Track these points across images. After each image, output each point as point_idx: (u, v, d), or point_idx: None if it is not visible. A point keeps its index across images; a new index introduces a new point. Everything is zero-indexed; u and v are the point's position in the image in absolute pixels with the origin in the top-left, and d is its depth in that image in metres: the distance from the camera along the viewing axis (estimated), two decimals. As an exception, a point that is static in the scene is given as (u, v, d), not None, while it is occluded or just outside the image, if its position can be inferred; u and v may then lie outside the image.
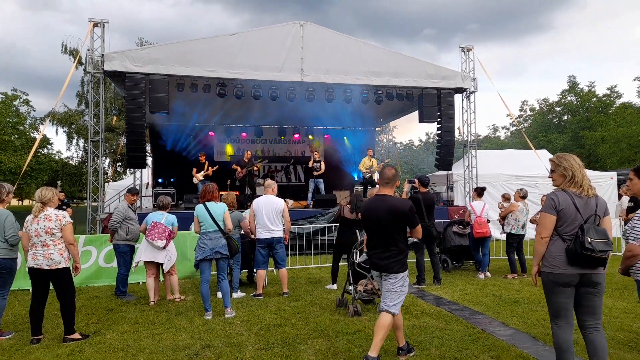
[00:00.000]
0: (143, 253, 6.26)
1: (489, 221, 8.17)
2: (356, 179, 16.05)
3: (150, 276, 6.33)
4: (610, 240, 3.09)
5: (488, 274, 7.99)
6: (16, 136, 24.18)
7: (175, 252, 6.55)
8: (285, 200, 6.76)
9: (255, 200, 6.64)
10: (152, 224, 6.22)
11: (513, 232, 7.89)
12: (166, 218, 6.35)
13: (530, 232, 8.22)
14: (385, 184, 3.98)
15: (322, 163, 13.38)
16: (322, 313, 5.54)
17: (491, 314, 5.51)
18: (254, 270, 7.37)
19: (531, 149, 13.71)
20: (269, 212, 6.42)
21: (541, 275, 3.27)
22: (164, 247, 6.21)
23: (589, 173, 3.27)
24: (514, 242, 7.94)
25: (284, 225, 6.61)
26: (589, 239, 3.00)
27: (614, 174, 14.59)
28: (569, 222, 3.14)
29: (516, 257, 7.94)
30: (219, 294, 6.10)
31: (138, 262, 6.44)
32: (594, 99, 31.27)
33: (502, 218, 8.15)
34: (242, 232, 6.86)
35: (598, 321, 3.21)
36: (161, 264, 6.33)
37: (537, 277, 3.35)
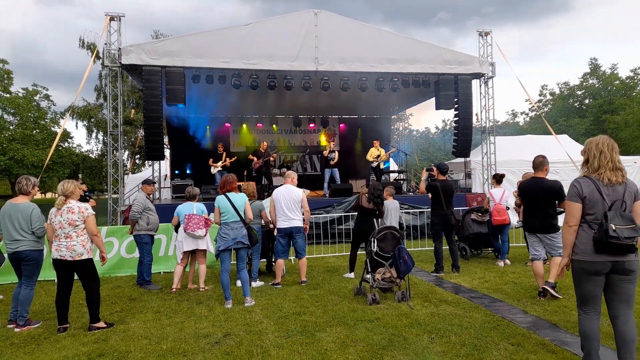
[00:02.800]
0: (184, 244, 6.39)
1: (508, 208, 8.06)
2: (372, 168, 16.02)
3: (182, 264, 6.52)
4: (638, 225, 2.98)
5: (507, 261, 7.90)
6: (37, 130, 24.75)
7: (210, 239, 6.69)
8: (303, 190, 6.77)
9: (275, 190, 6.69)
10: (187, 216, 6.34)
11: None
12: (197, 207, 6.48)
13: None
14: (536, 168, 5.47)
15: (336, 152, 13.36)
16: (341, 301, 5.57)
17: (511, 301, 5.46)
18: (273, 259, 7.45)
19: (551, 134, 13.43)
20: (288, 202, 6.46)
21: (571, 262, 3.19)
22: (204, 235, 6.38)
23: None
24: None
25: (303, 214, 6.64)
26: (613, 226, 2.92)
27: (637, 158, 14.23)
28: (594, 209, 3.06)
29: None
30: (238, 283, 6.19)
31: (181, 253, 6.53)
32: (617, 82, 30.41)
33: (518, 205, 8.02)
34: (262, 222, 6.91)
35: (630, 310, 3.11)
36: (198, 251, 6.48)
37: (567, 268, 3.24)
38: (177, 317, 5.14)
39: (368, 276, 5.72)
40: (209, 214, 6.66)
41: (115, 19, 10.66)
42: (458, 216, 8.36)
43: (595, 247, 3.02)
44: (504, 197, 7.97)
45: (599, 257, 3.02)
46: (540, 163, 5.42)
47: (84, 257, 4.64)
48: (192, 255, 6.63)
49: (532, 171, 5.71)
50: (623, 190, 3.06)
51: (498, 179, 8.32)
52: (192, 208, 6.47)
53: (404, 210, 10.12)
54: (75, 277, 4.77)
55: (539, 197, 5.31)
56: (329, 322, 4.76)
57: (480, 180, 13.15)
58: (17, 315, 4.84)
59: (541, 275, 5.55)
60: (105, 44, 10.66)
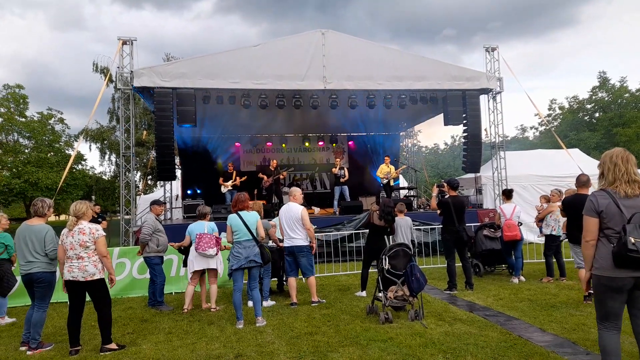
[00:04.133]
0: (195, 263, 6.38)
1: (520, 224, 7.96)
2: (382, 185, 16.00)
3: (192, 284, 6.48)
4: None
5: (522, 278, 7.77)
6: (52, 153, 25.17)
7: (222, 259, 6.67)
8: (307, 208, 6.65)
9: (280, 209, 6.68)
10: (198, 235, 6.33)
11: (554, 233, 7.65)
12: (207, 226, 6.48)
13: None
14: (582, 185, 5.75)
15: (346, 169, 13.39)
16: (353, 320, 5.50)
17: (527, 319, 5.35)
18: (284, 278, 7.40)
19: (562, 148, 13.32)
20: (289, 220, 6.38)
21: (592, 277, 3.11)
22: (215, 254, 6.36)
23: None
24: (554, 244, 7.70)
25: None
26: (632, 239, 2.82)
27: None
28: (612, 222, 2.98)
29: (554, 259, 7.69)
30: (250, 303, 6.14)
31: (193, 271, 6.51)
32: (627, 95, 30.20)
33: (540, 220, 7.92)
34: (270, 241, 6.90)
35: None
36: (209, 271, 6.45)
37: (588, 284, 3.18)
38: (188, 338, 5.11)
39: (380, 294, 5.65)
40: (220, 233, 6.66)
41: (128, 42, 10.92)
42: (470, 232, 8.27)
43: (615, 261, 2.93)
44: (515, 213, 7.87)
45: (619, 272, 2.93)
46: (586, 181, 5.80)
47: (96, 277, 4.65)
48: (203, 275, 6.62)
49: (573, 188, 6.28)
50: None
51: (508, 194, 8.25)
52: (203, 227, 6.48)
53: (414, 227, 10.04)
54: (87, 298, 4.78)
55: (580, 211, 5.35)
56: (341, 342, 4.69)
57: (491, 195, 13.04)
58: (30, 337, 4.84)
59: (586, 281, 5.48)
60: (118, 67, 10.90)
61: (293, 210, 6.39)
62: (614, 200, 3.00)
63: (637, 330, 3.07)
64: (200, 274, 6.55)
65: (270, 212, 10.73)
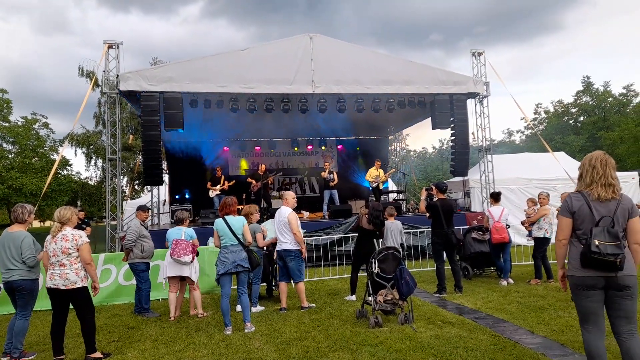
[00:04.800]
0: (168, 269, 6.28)
1: (508, 226, 8.01)
2: (371, 189, 16.03)
3: (172, 291, 6.35)
4: (623, 243, 2.98)
5: (510, 280, 7.81)
6: (36, 159, 24.79)
7: (198, 265, 6.57)
8: (295, 212, 6.55)
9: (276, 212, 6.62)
10: (174, 241, 6.23)
11: (547, 236, 7.72)
12: (185, 232, 6.37)
13: (552, 237, 8.05)
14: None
15: (335, 173, 13.38)
16: (343, 325, 5.47)
17: (516, 321, 5.37)
18: (273, 284, 7.35)
19: (548, 151, 13.48)
20: (279, 224, 6.35)
21: (567, 278, 3.21)
22: (191, 262, 6.24)
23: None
24: (544, 246, 7.77)
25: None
26: (597, 242, 2.95)
27: (635, 173, 14.24)
28: (584, 224, 3.08)
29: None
30: (238, 308, 6.08)
31: (165, 278, 6.44)
32: (610, 99, 30.77)
33: (531, 223, 7.98)
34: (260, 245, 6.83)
35: (633, 326, 3.06)
36: (187, 278, 6.34)
37: (563, 280, 3.29)
38: (175, 345, 5.03)
39: (370, 298, 5.63)
40: (200, 239, 6.58)
41: (114, 46, 10.79)
42: (459, 235, 8.30)
43: (582, 261, 3.05)
44: (503, 215, 7.93)
45: (586, 272, 3.04)
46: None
47: (77, 286, 4.52)
48: (184, 281, 6.51)
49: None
50: (615, 206, 3.05)
51: (495, 197, 8.31)
52: (180, 233, 6.35)
53: (404, 230, 10.06)
54: (71, 306, 4.67)
55: None
56: (331, 347, 4.65)
57: (479, 198, 13.13)
58: (12, 347, 4.72)
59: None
60: (104, 71, 10.77)
61: (282, 214, 6.35)
62: (587, 202, 3.08)
63: (614, 331, 3.13)
64: (178, 280, 6.42)
65: (259, 216, 10.64)
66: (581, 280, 3.07)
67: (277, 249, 6.42)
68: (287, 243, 6.29)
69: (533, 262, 7.89)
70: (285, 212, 6.34)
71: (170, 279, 6.34)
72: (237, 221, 5.61)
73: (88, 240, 4.67)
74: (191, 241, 6.34)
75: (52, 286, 4.50)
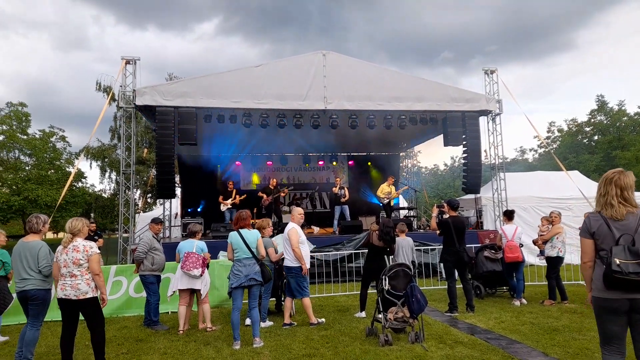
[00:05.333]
0: (179, 281, 6.30)
1: (521, 245, 7.90)
2: (381, 205, 15.98)
3: (183, 304, 6.36)
4: None
5: (524, 300, 7.67)
6: (52, 171, 25.20)
7: (209, 279, 6.58)
8: (306, 227, 6.57)
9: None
10: (185, 254, 6.27)
11: (560, 255, 7.60)
12: (196, 245, 6.41)
13: (567, 257, 7.90)
14: None
15: (346, 189, 13.37)
16: (352, 342, 5.40)
17: (530, 343, 5.25)
18: (282, 299, 7.31)
19: (562, 170, 13.34)
20: (284, 240, 6.37)
21: (592, 299, 3.11)
22: (201, 275, 6.25)
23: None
24: (559, 265, 7.64)
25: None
26: (618, 261, 2.85)
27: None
28: (605, 243, 3.00)
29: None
30: (247, 321, 6.06)
31: (174, 291, 6.46)
32: (625, 118, 30.43)
33: (544, 242, 7.87)
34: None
35: None
36: (197, 291, 6.35)
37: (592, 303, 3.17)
38: (183, 358, 5.01)
39: (380, 316, 5.56)
40: (211, 253, 6.61)
41: (131, 62, 11.05)
42: (471, 253, 8.20)
43: (605, 282, 2.95)
44: (517, 234, 7.82)
45: (611, 293, 2.93)
46: None
47: (88, 296, 4.55)
48: (193, 294, 6.51)
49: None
50: (636, 224, 2.97)
51: (509, 215, 8.21)
52: (192, 246, 6.39)
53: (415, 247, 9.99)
54: (81, 317, 4.69)
55: None
56: (340, 364, 4.59)
57: (491, 217, 13.00)
58: (22, 356, 4.75)
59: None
60: (121, 86, 11.01)
61: (286, 230, 6.37)
62: (605, 221, 3.02)
63: (638, 356, 3.01)
64: (189, 294, 6.43)
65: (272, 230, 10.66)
66: (605, 302, 2.97)
67: (285, 264, 6.41)
68: (287, 259, 6.29)
69: (547, 282, 7.75)
70: (288, 227, 6.33)
71: (180, 291, 6.36)
72: (252, 235, 5.64)
73: (98, 252, 4.72)
74: (202, 255, 6.36)
75: (64, 296, 4.53)
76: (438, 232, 7.30)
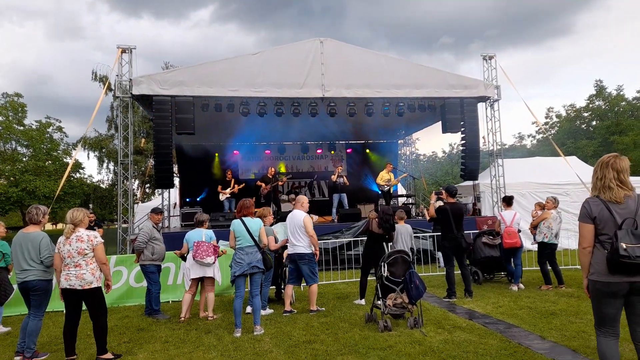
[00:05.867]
0: (192, 271, 6.33)
1: (519, 231, 7.94)
2: (380, 192, 15.99)
3: (190, 292, 6.42)
4: None
5: (521, 285, 7.73)
6: (50, 162, 25.13)
7: (219, 266, 6.62)
8: (310, 215, 6.63)
9: (287, 216, 6.62)
10: (195, 244, 6.29)
11: (546, 240, 7.64)
12: (205, 234, 6.44)
13: (564, 242, 7.95)
14: None
15: (345, 177, 13.37)
16: (352, 329, 5.46)
17: (527, 327, 5.31)
18: (282, 287, 7.36)
19: (560, 156, 13.36)
20: (292, 227, 6.37)
21: (588, 282, 3.12)
22: (213, 263, 6.31)
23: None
24: (547, 251, 7.68)
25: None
26: (624, 245, 2.85)
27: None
28: (606, 228, 3.00)
29: (549, 268, 7.67)
30: (247, 309, 6.10)
31: (189, 280, 6.48)
32: (623, 103, 30.36)
33: (534, 227, 7.92)
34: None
35: None
36: (206, 279, 6.39)
37: (586, 291, 3.20)
38: (185, 347, 5.06)
39: (379, 302, 5.61)
40: (217, 241, 6.63)
41: (127, 51, 10.95)
42: (469, 239, 8.25)
43: (609, 267, 2.95)
44: (515, 220, 7.86)
45: (614, 277, 2.94)
46: None
47: (93, 286, 4.59)
48: (201, 283, 6.57)
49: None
50: (635, 206, 2.99)
51: (508, 201, 8.24)
52: (200, 235, 6.44)
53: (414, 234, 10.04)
54: (84, 307, 4.72)
55: None
56: (340, 350, 4.65)
57: (489, 203, 13.04)
58: (25, 347, 4.79)
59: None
60: (117, 75, 10.92)
61: (297, 217, 6.38)
62: (606, 205, 3.02)
63: (636, 337, 3.06)
64: (197, 282, 6.50)
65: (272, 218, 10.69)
66: (606, 286, 2.98)
67: (290, 252, 6.43)
68: (300, 246, 6.30)
69: (539, 268, 7.81)
70: (300, 215, 6.36)
71: (190, 280, 6.40)
72: (255, 223, 5.67)
73: (102, 241, 4.74)
74: (212, 242, 6.40)
75: (68, 286, 4.55)
76: (428, 218, 7.35)
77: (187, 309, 6.35)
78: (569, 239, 9.69)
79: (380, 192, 13.54)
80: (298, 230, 6.31)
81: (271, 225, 7.23)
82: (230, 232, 5.65)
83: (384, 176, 13.00)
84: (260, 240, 5.61)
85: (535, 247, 8.22)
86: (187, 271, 6.43)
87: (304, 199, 6.60)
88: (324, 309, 6.56)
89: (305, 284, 6.70)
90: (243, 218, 5.64)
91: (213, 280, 6.48)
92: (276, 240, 6.74)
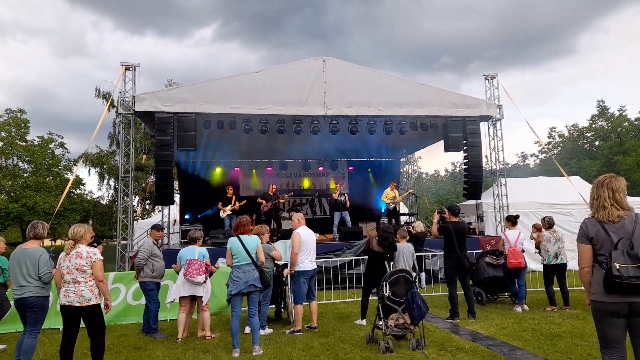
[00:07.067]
0: (182, 289, 6.23)
1: (523, 251, 7.84)
2: (382, 210, 15.89)
3: (183, 312, 6.29)
4: None
5: (525, 306, 7.60)
6: (51, 178, 25.19)
7: (210, 286, 6.52)
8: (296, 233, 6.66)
9: (302, 231, 6.53)
10: (188, 261, 6.20)
11: (544, 262, 7.56)
12: (198, 252, 6.35)
13: (568, 263, 7.83)
14: None
15: (346, 195, 13.31)
16: (352, 350, 5.33)
17: (532, 349, 5.19)
18: (282, 306, 7.23)
19: (563, 175, 13.31)
20: (308, 243, 6.42)
21: (590, 303, 3.10)
22: (204, 282, 6.20)
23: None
24: (549, 273, 7.58)
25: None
26: (617, 265, 2.85)
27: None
28: (603, 248, 3.00)
29: (556, 288, 7.54)
30: (247, 330, 5.98)
31: (174, 299, 6.39)
32: (626, 123, 30.45)
33: (537, 249, 7.85)
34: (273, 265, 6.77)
35: None
36: (197, 298, 6.29)
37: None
38: (182, 367, 4.94)
39: (380, 323, 5.50)
40: (217, 259, 6.55)
41: (131, 68, 11.04)
42: (472, 259, 8.14)
43: (605, 287, 2.94)
44: (520, 240, 7.77)
45: (610, 297, 2.93)
46: None
47: (92, 303, 4.50)
48: (194, 301, 6.45)
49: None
50: (632, 227, 2.97)
51: (513, 220, 8.16)
52: (194, 253, 6.32)
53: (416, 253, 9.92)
54: (82, 324, 4.62)
55: None
56: (340, 372, 4.52)
57: (492, 222, 12.94)
58: (19, 364, 4.68)
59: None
60: (120, 92, 10.99)
61: (311, 235, 6.59)
62: (602, 226, 3.01)
63: (638, 359, 2.98)
64: (190, 301, 6.36)
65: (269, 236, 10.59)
66: (604, 306, 2.97)
67: (310, 268, 6.44)
68: (307, 263, 6.41)
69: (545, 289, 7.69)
70: (307, 232, 6.50)
71: (181, 299, 6.29)
72: (252, 241, 5.59)
73: (102, 258, 4.67)
74: (204, 261, 6.31)
75: (67, 303, 4.47)
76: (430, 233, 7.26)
77: (182, 329, 6.21)
78: (572, 259, 9.56)
79: (385, 210, 13.46)
80: (307, 246, 6.42)
81: (269, 242, 7.14)
82: (227, 250, 5.58)
83: (388, 194, 12.96)
84: (258, 258, 5.53)
85: (540, 268, 8.12)
86: (177, 288, 6.32)
87: (300, 216, 6.71)
88: (317, 327, 6.46)
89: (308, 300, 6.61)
90: (240, 236, 5.57)
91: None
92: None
